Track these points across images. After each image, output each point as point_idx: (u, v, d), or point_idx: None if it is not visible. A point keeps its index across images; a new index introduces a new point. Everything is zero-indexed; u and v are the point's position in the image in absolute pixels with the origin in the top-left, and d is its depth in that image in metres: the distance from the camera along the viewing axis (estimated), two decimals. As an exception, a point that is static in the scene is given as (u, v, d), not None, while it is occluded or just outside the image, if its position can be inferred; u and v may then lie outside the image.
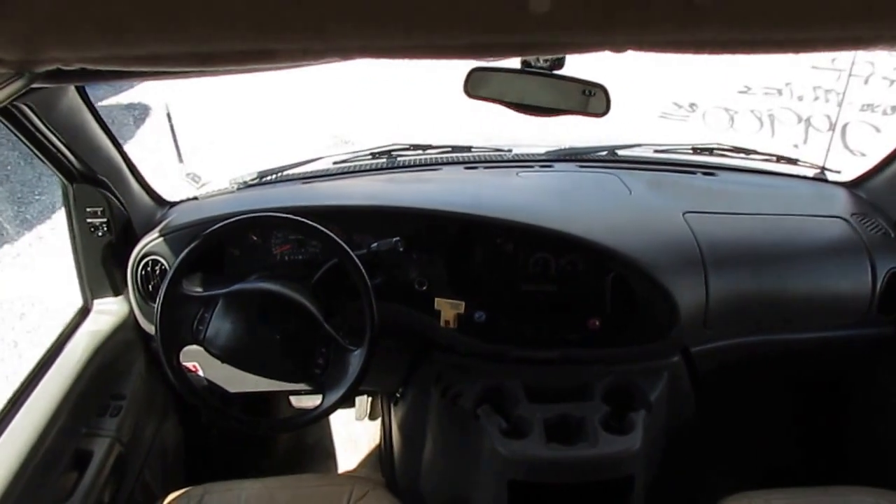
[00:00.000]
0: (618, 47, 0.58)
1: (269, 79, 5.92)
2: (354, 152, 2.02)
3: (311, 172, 1.97)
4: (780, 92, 5.88)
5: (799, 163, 2.03)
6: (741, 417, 2.09)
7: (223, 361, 1.53)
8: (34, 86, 0.81)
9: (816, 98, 5.73)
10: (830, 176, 2.03)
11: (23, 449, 1.34)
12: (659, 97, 5.83)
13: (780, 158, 2.02)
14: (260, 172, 1.92)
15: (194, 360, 1.64)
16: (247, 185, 1.90)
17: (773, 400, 2.14)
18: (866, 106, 5.41)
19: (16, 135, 1.38)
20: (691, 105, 5.78)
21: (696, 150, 2.03)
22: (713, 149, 2.03)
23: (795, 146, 5.00)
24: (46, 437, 1.40)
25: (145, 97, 5.75)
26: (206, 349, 1.52)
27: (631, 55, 0.60)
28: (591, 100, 1.10)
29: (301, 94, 5.88)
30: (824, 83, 5.87)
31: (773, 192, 1.95)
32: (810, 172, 2.04)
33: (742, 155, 2.03)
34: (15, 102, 1.21)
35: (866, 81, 5.65)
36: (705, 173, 2.00)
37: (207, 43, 0.61)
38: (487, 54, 0.63)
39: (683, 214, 1.73)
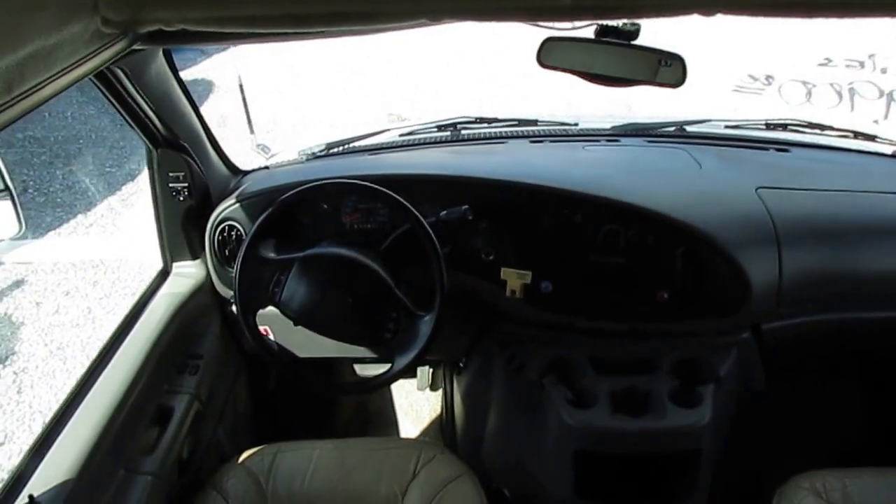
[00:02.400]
0: (707, 10, 0.57)
1: (325, 55, 6.02)
2: (420, 125, 2.03)
3: (377, 144, 1.99)
4: (862, 64, 5.60)
5: (877, 139, 1.95)
6: (812, 396, 2.04)
7: (297, 323, 1.56)
8: (134, 47, 0.83)
9: (901, 71, 5.45)
10: (911, 153, 1.94)
11: (113, 401, 1.40)
12: (733, 69, 5.62)
13: (857, 135, 1.95)
14: (328, 144, 1.95)
15: (266, 324, 1.70)
16: (315, 156, 1.94)
17: (847, 379, 2.09)
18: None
19: (108, 99, 1.43)
20: (767, 78, 5.56)
21: (770, 126, 1.97)
22: (787, 124, 1.97)
23: (875, 122, 4.77)
24: (133, 391, 1.46)
25: (209, 74, 5.89)
26: (281, 311, 1.56)
27: (719, 19, 0.59)
28: (667, 70, 1.08)
29: (355, 72, 5.93)
30: (911, 55, 5.58)
31: (850, 168, 1.89)
32: (889, 149, 1.96)
33: (817, 131, 1.96)
34: (111, 66, 1.24)
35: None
36: (778, 149, 1.94)
37: (302, 5, 0.64)
38: (575, 16, 0.62)
39: (756, 190, 1.69)
